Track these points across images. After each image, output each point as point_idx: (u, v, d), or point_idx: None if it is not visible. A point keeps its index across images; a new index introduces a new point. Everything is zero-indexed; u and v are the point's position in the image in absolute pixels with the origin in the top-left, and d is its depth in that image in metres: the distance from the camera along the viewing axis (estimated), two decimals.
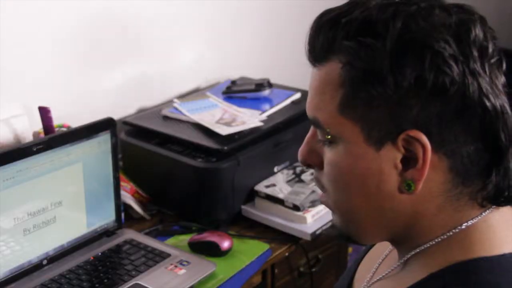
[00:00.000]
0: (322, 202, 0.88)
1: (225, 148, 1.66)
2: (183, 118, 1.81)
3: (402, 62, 0.75)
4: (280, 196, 1.67)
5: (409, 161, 0.78)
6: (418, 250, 0.83)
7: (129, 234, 1.60)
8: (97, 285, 1.42)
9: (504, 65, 0.81)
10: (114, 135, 1.54)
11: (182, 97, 2.01)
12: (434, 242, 0.81)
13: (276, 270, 1.65)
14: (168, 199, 1.75)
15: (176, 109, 1.85)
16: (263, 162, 1.75)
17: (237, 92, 1.97)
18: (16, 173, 1.36)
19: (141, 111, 1.95)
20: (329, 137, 0.80)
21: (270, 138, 1.76)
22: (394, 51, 0.75)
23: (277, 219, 1.67)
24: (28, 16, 1.66)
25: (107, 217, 1.58)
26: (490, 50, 0.78)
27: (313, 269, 1.75)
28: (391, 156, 0.78)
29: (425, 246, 0.82)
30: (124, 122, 1.83)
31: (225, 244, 1.57)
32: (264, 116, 1.83)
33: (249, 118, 1.80)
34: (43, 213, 1.43)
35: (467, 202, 0.81)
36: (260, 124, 1.78)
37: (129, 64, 1.94)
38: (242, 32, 2.21)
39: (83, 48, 1.81)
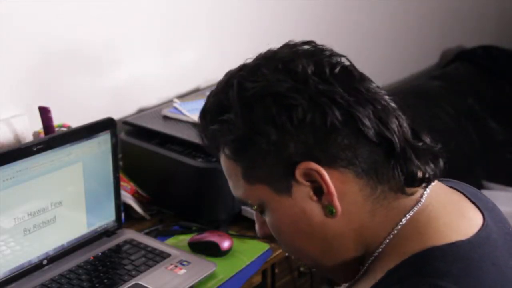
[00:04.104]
0: (296, 260, 0.94)
1: None
2: (183, 118, 1.81)
3: (255, 119, 0.83)
4: None
5: (319, 189, 0.83)
6: (373, 258, 0.86)
7: (129, 234, 1.60)
8: (97, 285, 1.42)
9: (354, 70, 0.86)
10: (114, 135, 1.54)
11: (182, 97, 2.01)
12: (384, 245, 0.85)
13: (276, 270, 1.65)
14: (168, 199, 1.75)
15: (176, 109, 1.85)
16: None
17: None
18: (16, 173, 1.36)
19: (141, 111, 1.95)
20: (255, 207, 0.89)
21: None
22: (243, 115, 0.83)
23: None
24: (29, 16, 1.66)
25: (107, 217, 1.58)
26: (328, 66, 0.84)
27: (313, 269, 1.75)
28: (303, 193, 0.84)
29: (378, 251, 0.86)
30: (124, 122, 1.83)
31: (225, 244, 1.57)
32: None
33: None
34: (43, 213, 1.43)
35: (394, 197, 0.85)
36: None
37: (129, 64, 1.93)
38: (242, 32, 2.21)
39: (83, 48, 1.80)
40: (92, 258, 1.50)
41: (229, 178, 0.91)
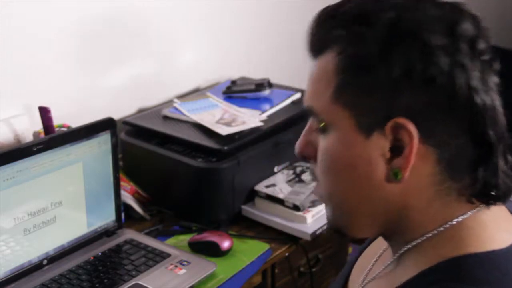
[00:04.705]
0: (315, 194, 0.90)
1: (225, 148, 1.66)
2: (183, 118, 1.81)
3: (392, 50, 0.77)
4: (280, 196, 1.67)
5: (397, 149, 0.79)
6: (410, 246, 0.84)
7: (129, 234, 1.60)
8: (97, 285, 1.42)
9: (497, 65, 0.82)
10: (114, 135, 1.54)
11: (182, 97, 2.01)
12: (425, 238, 0.83)
13: (276, 270, 1.65)
14: (168, 199, 1.75)
15: (176, 109, 1.85)
16: (263, 162, 1.75)
17: (237, 92, 1.97)
18: (16, 173, 1.36)
19: (141, 111, 1.95)
20: (322, 124, 0.83)
21: (270, 138, 1.76)
22: (384, 40, 0.77)
23: (277, 219, 1.67)
24: (29, 16, 1.66)
25: (107, 217, 1.58)
26: (482, 47, 0.80)
27: (313, 269, 1.75)
28: (380, 144, 0.79)
29: (417, 241, 0.83)
30: (124, 122, 1.83)
31: (225, 244, 1.57)
32: (264, 116, 1.83)
33: (249, 118, 1.80)
34: (43, 213, 1.43)
35: (456, 198, 0.82)
36: (260, 124, 1.78)
37: (129, 64, 1.94)
38: (242, 32, 2.21)
39: (84, 48, 1.81)
40: (92, 258, 1.50)
41: (315, 83, 0.83)
